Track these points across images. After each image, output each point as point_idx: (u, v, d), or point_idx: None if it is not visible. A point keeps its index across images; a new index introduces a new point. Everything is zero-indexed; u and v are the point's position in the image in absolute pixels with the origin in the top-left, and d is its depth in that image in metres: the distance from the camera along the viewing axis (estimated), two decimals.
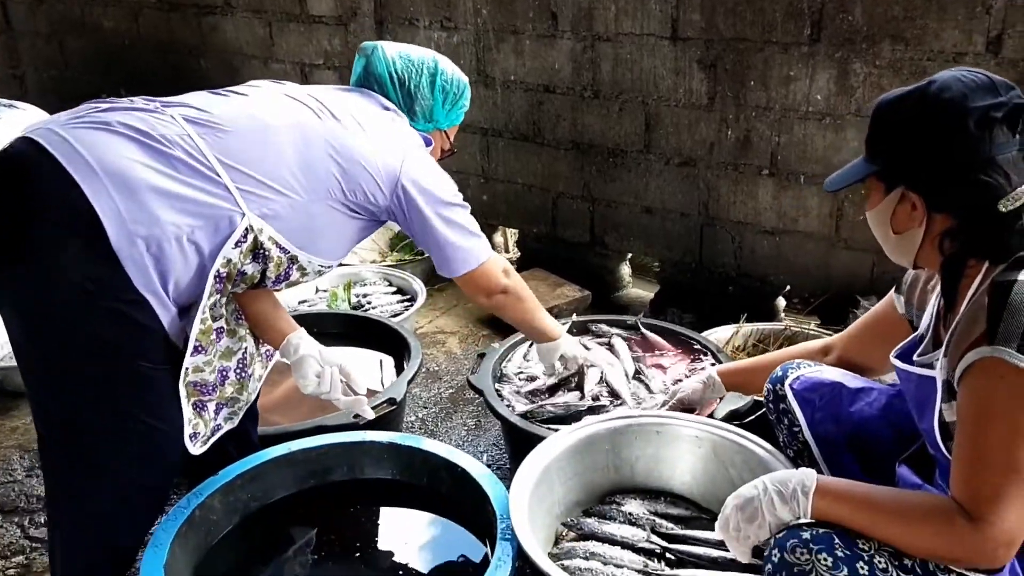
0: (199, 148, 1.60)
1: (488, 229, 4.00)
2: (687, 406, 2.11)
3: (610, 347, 2.58)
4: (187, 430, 1.69)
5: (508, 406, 2.26)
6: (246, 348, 1.86)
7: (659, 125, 3.23)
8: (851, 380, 1.75)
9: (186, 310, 1.67)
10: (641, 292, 3.70)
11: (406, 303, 3.24)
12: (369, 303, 3.23)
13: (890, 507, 1.32)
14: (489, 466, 2.36)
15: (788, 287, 3.25)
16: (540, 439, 1.96)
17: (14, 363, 2.88)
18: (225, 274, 1.65)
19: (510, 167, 3.74)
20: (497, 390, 2.33)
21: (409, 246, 3.86)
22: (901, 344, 1.59)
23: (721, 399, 2.16)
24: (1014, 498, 1.20)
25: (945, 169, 1.34)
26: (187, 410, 1.69)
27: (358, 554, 1.90)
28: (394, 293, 3.34)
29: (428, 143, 2.02)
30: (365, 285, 3.38)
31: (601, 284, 3.63)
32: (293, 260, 1.76)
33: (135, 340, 1.55)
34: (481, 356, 2.48)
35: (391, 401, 2.24)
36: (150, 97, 1.70)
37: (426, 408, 2.82)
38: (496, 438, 2.61)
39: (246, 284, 1.75)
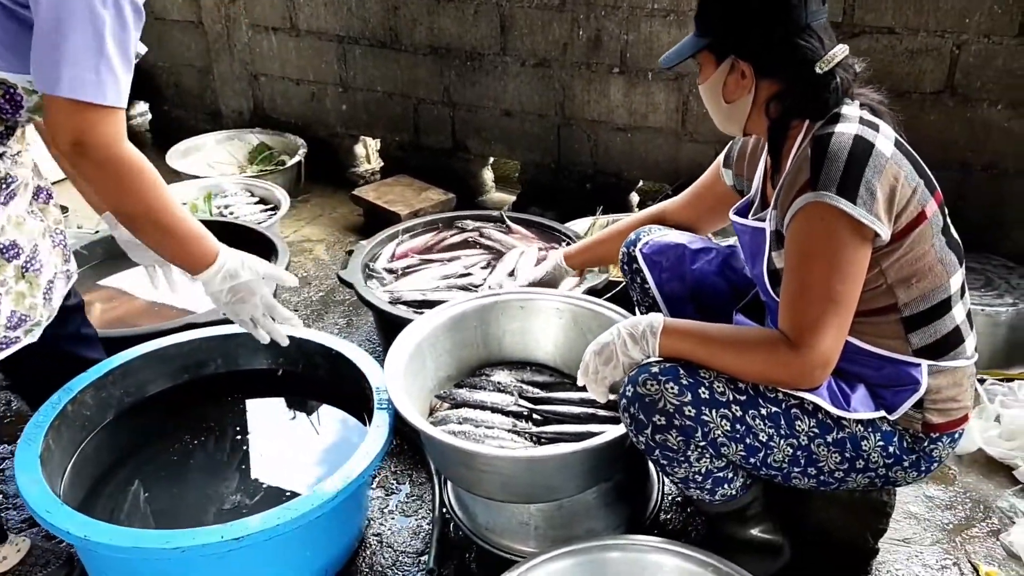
0: None
1: (350, 140, 3.99)
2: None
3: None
4: None
5: (388, 293, 2.35)
6: (36, 246, 1.61)
7: (514, 27, 3.29)
8: (692, 242, 1.93)
9: None
10: (504, 196, 3.81)
11: (270, 212, 3.22)
12: (232, 213, 3.19)
13: (726, 340, 1.49)
14: None
15: (641, 181, 3.45)
16: (409, 323, 2.04)
17: None
18: None
19: (369, 75, 3.71)
20: (368, 286, 2.40)
21: (269, 157, 3.80)
22: (738, 203, 1.76)
23: (579, 277, 2.30)
24: (830, 325, 1.39)
25: (770, 35, 1.48)
26: None
27: (237, 442, 1.95)
28: (257, 203, 3.30)
29: None
30: (226, 196, 3.32)
31: (465, 189, 3.71)
32: (4, 85, 1.47)
33: None
34: (350, 253, 2.53)
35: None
36: None
37: (297, 311, 2.85)
38: (368, 334, 2.69)
39: None
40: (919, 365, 1.49)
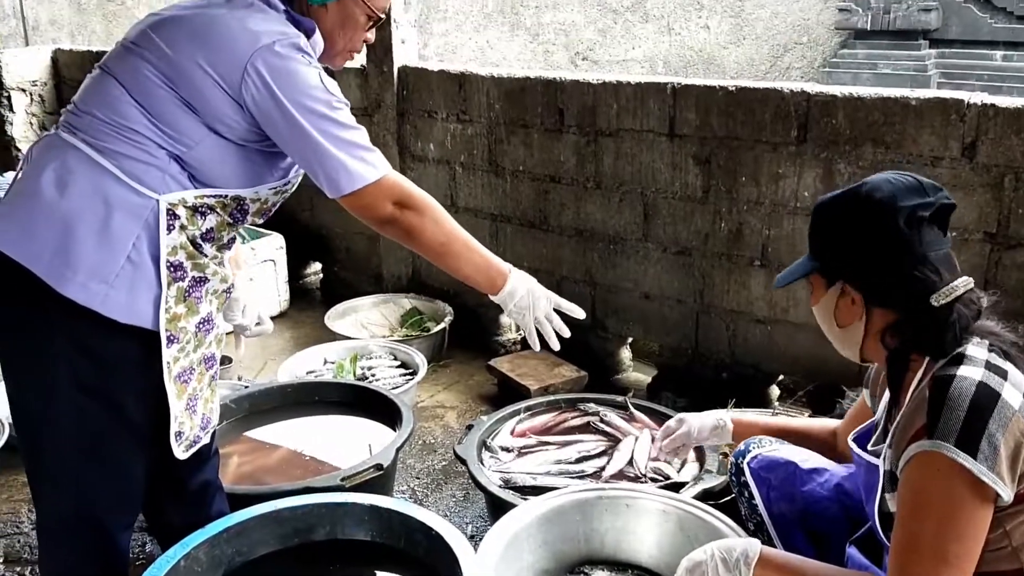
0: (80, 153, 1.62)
1: (495, 310, 4.14)
2: (684, 437, 2.12)
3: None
4: (173, 427, 1.72)
5: (499, 473, 2.36)
6: (220, 358, 1.89)
7: (657, 215, 3.39)
8: (805, 460, 1.84)
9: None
10: (640, 376, 3.79)
11: (409, 376, 3.37)
12: (373, 375, 3.36)
13: None
14: (472, 536, 2.45)
15: (781, 376, 3.33)
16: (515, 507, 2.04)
17: None
18: (177, 263, 1.66)
19: (517, 251, 3.90)
20: (482, 463, 2.44)
21: (418, 321, 4.01)
22: (858, 428, 1.68)
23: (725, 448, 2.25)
24: None
25: (878, 265, 1.44)
26: (176, 405, 1.72)
27: None
28: (398, 367, 3.47)
29: (311, 30, 1.77)
30: (371, 358, 3.52)
31: (601, 367, 3.73)
32: (237, 199, 1.74)
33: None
34: (469, 427, 2.59)
35: (378, 467, 2.34)
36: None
37: (418, 479, 2.92)
38: (482, 510, 2.69)
39: (225, 238, 1.77)
40: None
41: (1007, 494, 1.26)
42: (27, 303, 1.59)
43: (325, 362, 3.51)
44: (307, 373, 3.39)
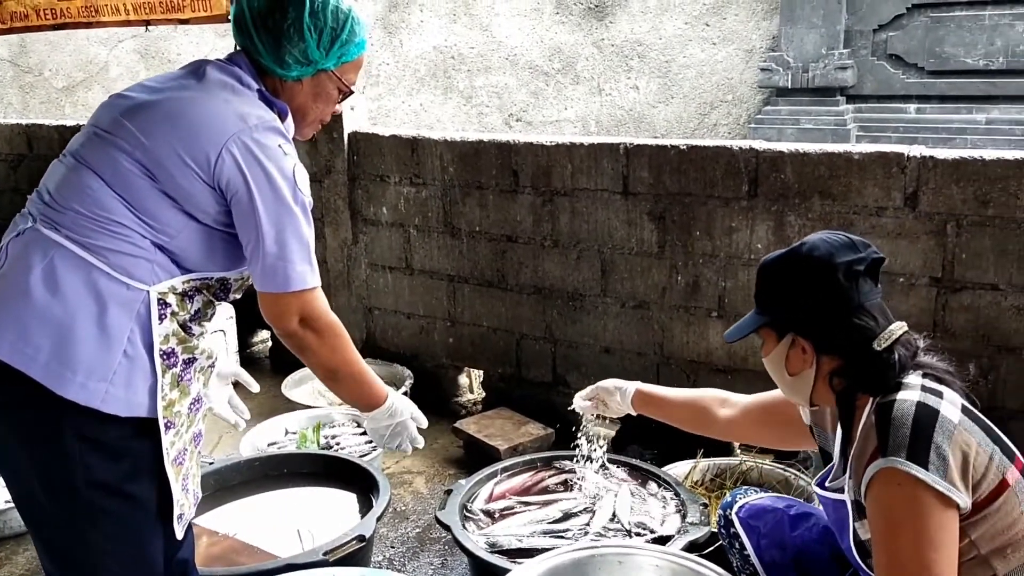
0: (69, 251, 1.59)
1: (455, 371, 4.14)
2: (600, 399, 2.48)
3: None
4: (176, 509, 1.70)
5: (484, 537, 2.33)
6: (202, 431, 1.83)
7: (614, 271, 3.46)
8: (791, 507, 1.90)
9: None
10: (605, 430, 3.81)
11: (373, 443, 3.31)
12: (338, 444, 3.30)
13: None
14: None
15: None
16: (506, 572, 2.02)
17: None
18: (169, 350, 1.64)
19: (475, 311, 3.92)
20: (465, 528, 2.40)
21: None
22: (821, 473, 1.77)
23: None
24: None
25: (825, 316, 1.57)
26: (176, 488, 1.68)
27: None
28: (362, 434, 3.41)
29: (284, 112, 1.79)
30: (334, 427, 3.46)
31: (565, 423, 3.73)
32: (222, 280, 1.76)
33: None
34: (448, 492, 2.56)
35: (360, 538, 2.28)
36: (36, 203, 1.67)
37: (393, 548, 2.85)
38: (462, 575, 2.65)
39: (209, 315, 1.77)
40: None
41: (963, 501, 1.36)
42: (30, 407, 1.55)
43: (286, 432, 3.43)
44: (268, 445, 3.30)
